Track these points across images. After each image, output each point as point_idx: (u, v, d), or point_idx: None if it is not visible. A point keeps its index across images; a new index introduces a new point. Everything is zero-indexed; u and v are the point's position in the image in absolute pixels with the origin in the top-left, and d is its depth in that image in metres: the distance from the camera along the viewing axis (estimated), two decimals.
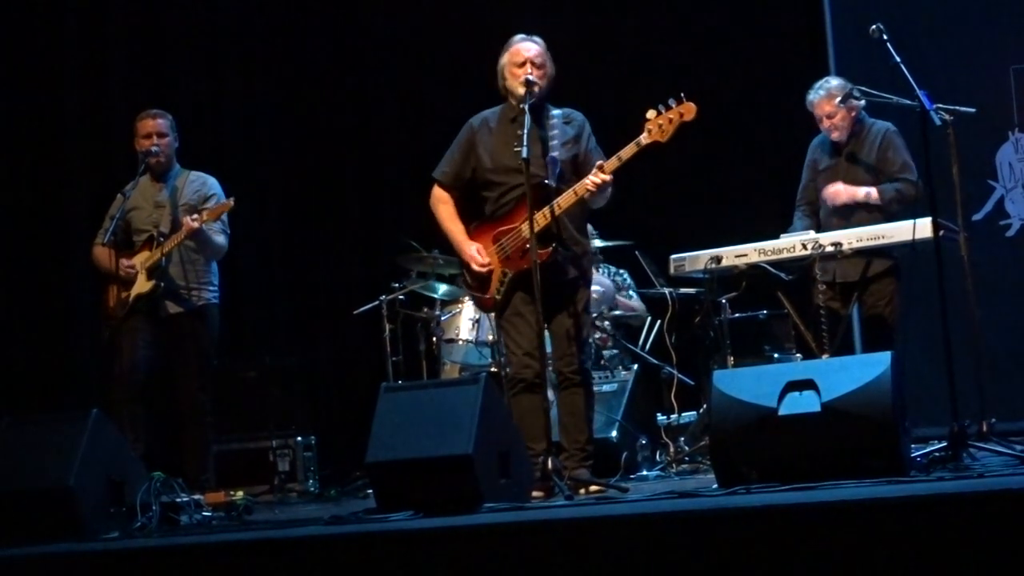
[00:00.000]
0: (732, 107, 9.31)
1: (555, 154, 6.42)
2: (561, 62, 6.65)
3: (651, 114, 6.32)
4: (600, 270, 8.80)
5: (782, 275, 7.23)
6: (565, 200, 6.35)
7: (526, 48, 6.51)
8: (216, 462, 8.07)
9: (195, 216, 7.37)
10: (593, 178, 6.30)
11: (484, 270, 6.50)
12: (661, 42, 9.47)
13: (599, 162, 6.35)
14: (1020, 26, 9.17)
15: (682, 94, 6.31)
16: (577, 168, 6.45)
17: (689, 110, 6.30)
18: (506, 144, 6.49)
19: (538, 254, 6.18)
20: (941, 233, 6.16)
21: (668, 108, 6.31)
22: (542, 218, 6.30)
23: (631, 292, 8.87)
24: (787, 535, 4.31)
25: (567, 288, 6.47)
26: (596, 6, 9.86)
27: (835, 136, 7.34)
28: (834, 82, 7.34)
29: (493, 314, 6.90)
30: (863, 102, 7.21)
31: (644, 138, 6.32)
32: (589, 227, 8.42)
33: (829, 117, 7.30)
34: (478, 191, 6.64)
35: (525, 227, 6.30)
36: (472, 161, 6.60)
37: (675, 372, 8.27)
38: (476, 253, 6.50)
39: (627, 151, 6.33)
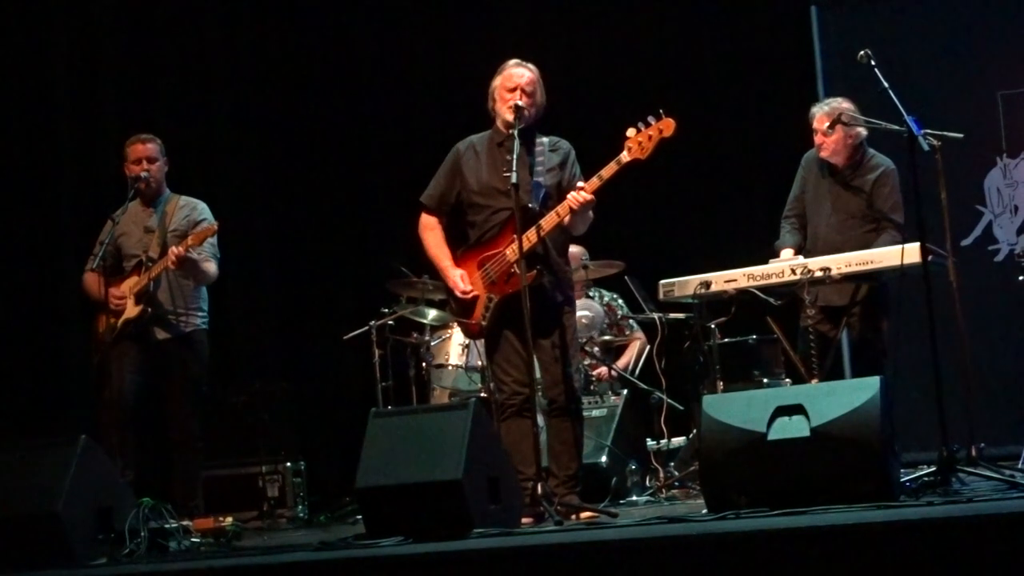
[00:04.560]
0: (720, 133, 9.35)
1: (540, 179, 6.44)
2: (550, 85, 6.67)
3: (631, 132, 6.34)
4: (592, 295, 8.81)
5: (771, 300, 7.23)
6: (548, 223, 6.36)
7: (519, 74, 6.53)
8: (205, 488, 8.04)
9: (182, 242, 7.36)
10: (575, 195, 6.31)
11: (467, 296, 6.50)
12: (649, 67, 9.51)
13: (579, 183, 6.37)
14: (1007, 52, 9.21)
15: (661, 111, 6.32)
16: (561, 195, 6.45)
17: (668, 126, 6.32)
18: (493, 167, 6.50)
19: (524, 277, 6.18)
20: (930, 258, 6.17)
21: (647, 125, 6.33)
22: (526, 241, 6.30)
23: (632, 324, 8.85)
24: (777, 560, 4.30)
25: (554, 313, 6.48)
26: (584, 31, 9.88)
27: (823, 155, 7.33)
28: (844, 105, 7.31)
29: (481, 341, 6.90)
30: (864, 132, 7.21)
31: (624, 156, 6.34)
32: (583, 251, 8.51)
33: (824, 135, 7.29)
34: (464, 215, 6.65)
35: (509, 251, 6.33)
36: (458, 184, 6.61)
37: (665, 397, 8.27)
38: (459, 280, 6.51)
39: (608, 170, 6.35)
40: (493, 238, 6.50)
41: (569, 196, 6.33)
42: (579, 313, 7.34)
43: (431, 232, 6.68)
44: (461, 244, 6.65)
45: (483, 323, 6.50)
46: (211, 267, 7.60)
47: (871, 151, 7.39)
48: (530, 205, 6.36)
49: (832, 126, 7.19)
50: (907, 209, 6.99)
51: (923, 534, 4.23)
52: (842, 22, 9.55)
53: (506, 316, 6.40)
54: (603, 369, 8.51)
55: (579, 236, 6.79)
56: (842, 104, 7.31)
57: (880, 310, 7.20)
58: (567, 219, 6.37)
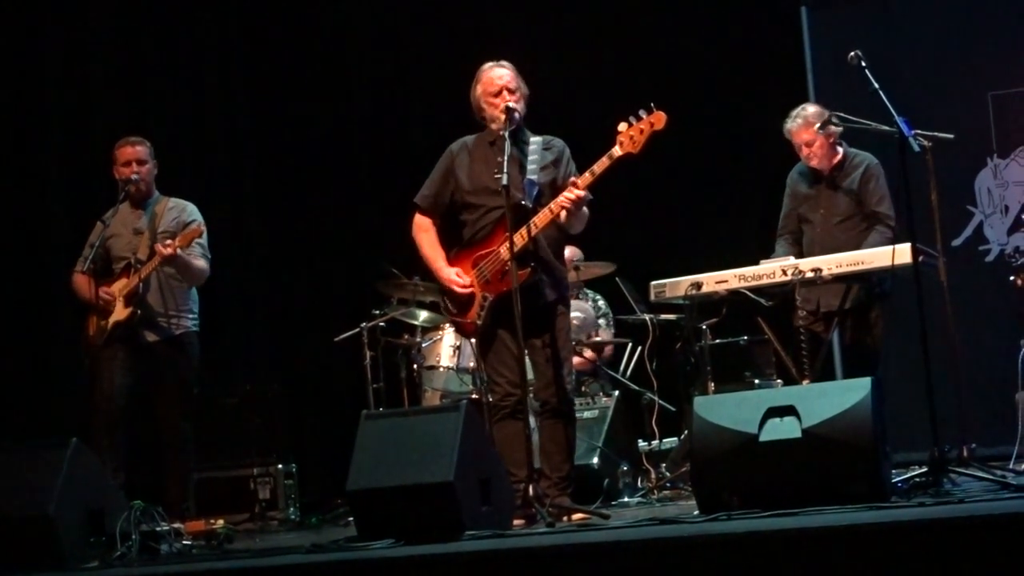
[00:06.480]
0: (712, 133, 9.35)
1: (533, 177, 6.43)
2: (542, 85, 6.66)
3: (622, 126, 6.33)
4: (581, 296, 8.80)
5: (762, 301, 7.23)
6: (541, 219, 6.35)
7: (498, 76, 6.53)
8: (197, 490, 8.04)
9: (168, 242, 7.36)
10: (567, 194, 6.31)
11: (466, 290, 6.49)
12: (640, 68, 9.50)
13: (573, 178, 6.37)
14: (998, 52, 9.22)
15: (652, 104, 6.32)
16: (555, 192, 6.44)
17: (659, 119, 6.31)
18: (485, 166, 6.50)
19: (517, 275, 6.18)
20: (920, 259, 6.18)
21: (639, 119, 6.32)
22: (520, 239, 6.30)
23: (600, 321, 8.86)
24: (769, 561, 4.30)
25: (547, 313, 6.47)
26: (575, 31, 9.89)
27: (814, 163, 7.36)
28: (811, 109, 7.36)
29: (474, 340, 6.90)
30: (840, 129, 7.23)
31: (616, 150, 6.32)
32: (578, 252, 8.50)
33: (808, 145, 7.32)
34: (457, 215, 6.65)
35: (503, 250, 6.32)
36: (451, 184, 6.61)
37: (656, 398, 8.27)
38: (454, 275, 6.51)
39: (600, 165, 6.33)
40: (486, 237, 6.49)
41: (562, 194, 6.33)
42: (571, 314, 7.33)
43: (425, 233, 6.68)
44: (455, 246, 6.64)
45: (478, 322, 6.49)
46: (202, 264, 7.60)
47: (852, 150, 7.41)
48: (523, 202, 6.35)
49: (823, 127, 7.19)
50: (898, 210, 6.99)
51: (915, 535, 4.23)
52: (833, 23, 9.55)
53: (501, 315, 6.39)
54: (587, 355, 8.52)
55: (575, 236, 6.79)
56: (811, 108, 7.34)
57: (875, 311, 7.21)
58: (563, 217, 6.36)
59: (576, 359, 8.40)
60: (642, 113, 6.33)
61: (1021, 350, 7.40)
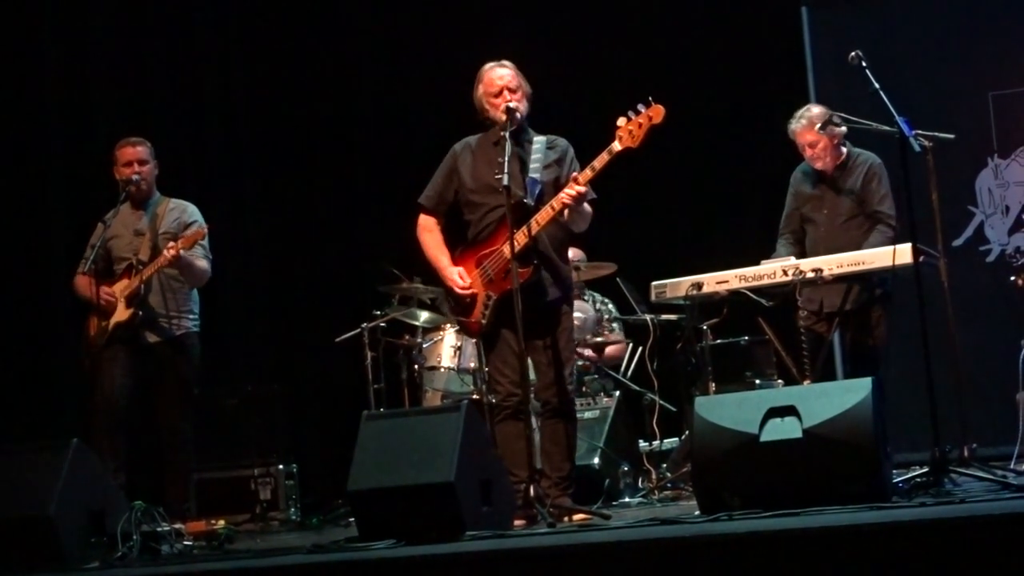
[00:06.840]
0: (712, 133, 9.34)
1: (536, 176, 6.44)
2: (541, 85, 6.66)
3: (621, 121, 6.33)
4: (585, 298, 8.80)
5: (763, 301, 7.24)
6: (543, 216, 6.35)
7: (499, 76, 6.53)
8: (197, 490, 8.05)
9: (171, 244, 7.35)
10: (568, 190, 6.31)
11: (467, 293, 6.49)
12: (640, 69, 9.49)
13: (574, 174, 6.37)
14: (998, 52, 9.22)
15: (650, 98, 6.32)
16: (558, 191, 6.44)
17: (657, 112, 6.31)
18: (487, 165, 6.50)
19: (519, 272, 6.18)
20: (921, 259, 6.18)
21: (637, 113, 6.32)
22: (522, 237, 6.30)
23: (614, 325, 8.87)
24: (769, 562, 4.30)
25: (550, 312, 6.47)
26: (575, 31, 9.89)
27: (818, 165, 7.35)
28: (815, 110, 7.35)
29: (476, 340, 6.89)
30: (844, 129, 7.23)
31: (616, 145, 6.32)
32: (580, 253, 8.50)
33: (811, 146, 7.31)
34: (461, 214, 6.65)
35: (505, 248, 6.31)
36: (455, 183, 6.62)
37: (657, 399, 8.26)
38: (457, 277, 6.51)
39: (600, 160, 6.33)
40: (489, 236, 6.50)
41: (563, 191, 6.33)
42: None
43: (429, 233, 6.68)
44: (459, 246, 6.64)
45: (483, 321, 6.49)
46: (204, 265, 7.60)
47: (856, 149, 7.41)
48: (525, 200, 6.36)
49: (823, 127, 7.19)
50: (899, 210, 7.00)
51: (916, 535, 4.23)
52: (833, 23, 9.56)
53: (505, 315, 6.38)
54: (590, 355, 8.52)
55: (578, 235, 6.79)
56: (815, 109, 7.34)
57: (877, 311, 7.20)
58: (566, 214, 6.37)
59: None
60: (640, 107, 6.33)
61: (1021, 350, 7.40)
